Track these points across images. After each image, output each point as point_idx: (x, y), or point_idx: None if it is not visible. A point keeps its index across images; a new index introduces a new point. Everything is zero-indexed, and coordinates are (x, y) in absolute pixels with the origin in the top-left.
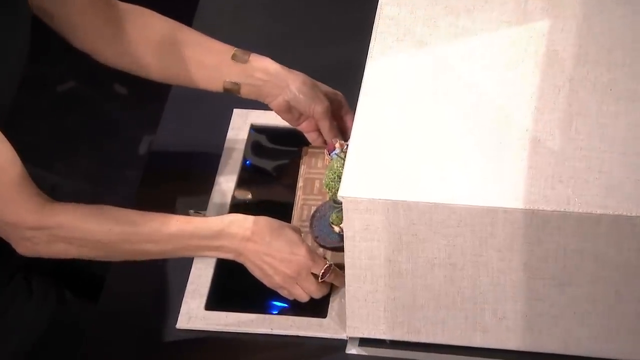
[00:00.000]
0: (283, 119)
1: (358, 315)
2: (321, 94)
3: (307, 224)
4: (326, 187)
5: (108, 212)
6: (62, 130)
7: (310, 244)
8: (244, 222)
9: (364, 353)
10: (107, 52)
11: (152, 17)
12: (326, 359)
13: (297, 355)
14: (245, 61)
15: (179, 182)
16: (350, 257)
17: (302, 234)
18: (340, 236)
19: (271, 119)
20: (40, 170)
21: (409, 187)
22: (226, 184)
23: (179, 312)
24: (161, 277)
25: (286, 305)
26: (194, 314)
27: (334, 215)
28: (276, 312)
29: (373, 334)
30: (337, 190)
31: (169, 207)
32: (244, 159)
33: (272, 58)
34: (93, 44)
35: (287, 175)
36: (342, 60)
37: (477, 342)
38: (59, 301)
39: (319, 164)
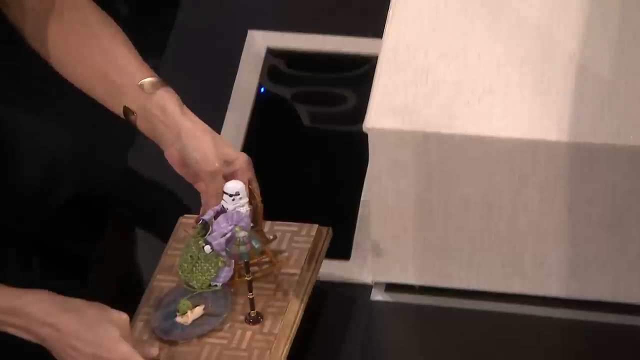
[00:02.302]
0: (179, 173)
1: (384, 258)
2: (213, 152)
3: (152, 310)
4: (178, 268)
5: None
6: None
7: (147, 336)
8: (47, 305)
9: (390, 300)
10: (27, 31)
11: (87, 11)
12: (349, 306)
13: (317, 302)
14: (150, 93)
15: None
16: (376, 197)
17: (142, 323)
18: (184, 328)
19: (291, 41)
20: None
21: (442, 119)
22: (240, 114)
23: None
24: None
25: None
26: None
27: (181, 302)
28: None
29: (401, 279)
30: (190, 274)
31: None
32: (259, 86)
33: None
34: (24, 24)
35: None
36: None
37: (516, 288)
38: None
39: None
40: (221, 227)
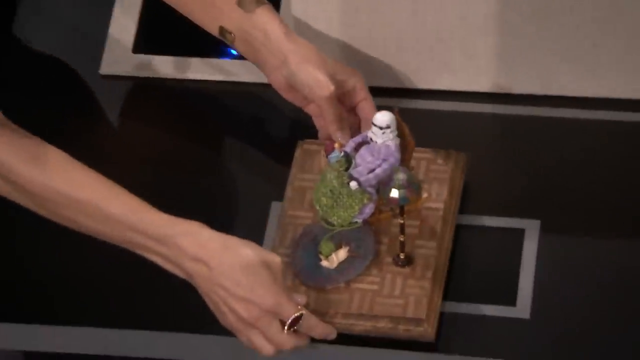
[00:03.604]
0: (285, 98)
1: None
2: (325, 75)
3: (290, 251)
4: (316, 203)
5: (49, 158)
6: None
7: (291, 281)
8: (201, 238)
9: None
10: None
11: None
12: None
13: (243, 101)
14: (250, 11)
15: None
16: None
17: (283, 266)
18: (329, 273)
19: None
20: None
21: None
22: None
23: (101, 56)
24: (80, 15)
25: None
26: (120, 57)
27: (323, 244)
28: (227, 58)
29: None
30: (330, 210)
31: None
32: None
33: None
34: None
35: None
36: None
37: (445, 84)
38: None
39: (315, 168)
40: (367, 162)
